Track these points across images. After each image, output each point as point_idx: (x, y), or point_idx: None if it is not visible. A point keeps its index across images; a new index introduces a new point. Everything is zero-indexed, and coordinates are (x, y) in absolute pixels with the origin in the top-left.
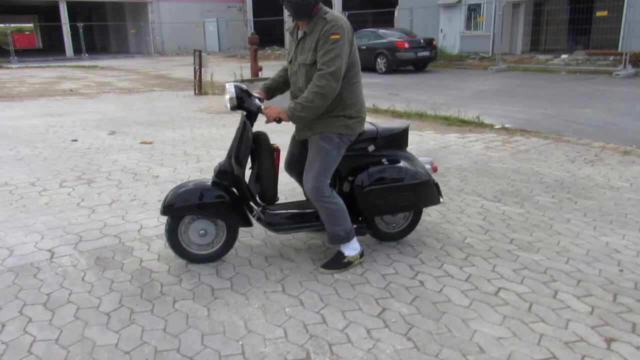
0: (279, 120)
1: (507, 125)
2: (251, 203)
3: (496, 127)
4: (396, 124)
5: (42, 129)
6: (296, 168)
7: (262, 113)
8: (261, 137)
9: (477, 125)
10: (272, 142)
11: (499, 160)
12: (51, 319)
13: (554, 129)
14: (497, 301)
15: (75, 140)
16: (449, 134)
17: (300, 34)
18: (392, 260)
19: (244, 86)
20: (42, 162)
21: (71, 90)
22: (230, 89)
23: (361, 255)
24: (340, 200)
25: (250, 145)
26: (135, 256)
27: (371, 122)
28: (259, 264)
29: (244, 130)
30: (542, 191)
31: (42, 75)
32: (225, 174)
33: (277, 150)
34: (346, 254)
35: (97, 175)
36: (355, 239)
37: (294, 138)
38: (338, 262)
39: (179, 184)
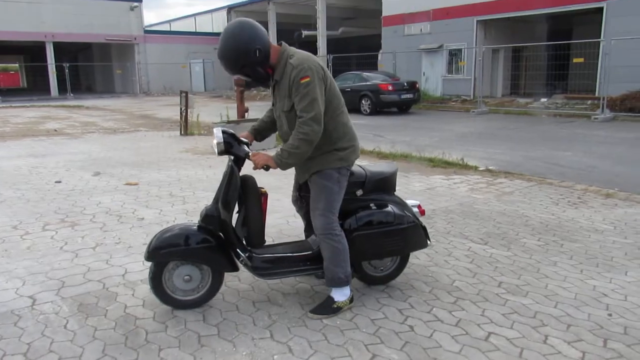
0: (267, 168)
1: (491, 167)
2: (237, 248)
3: (480, 169)
4: (384, 167)
5: (26, 170)
6: (301, 204)
7: (250, 160)
8: (248, 181)
9: (462, 167)
10: (259, 185)
11: (484, 202)
12: None
13: (536, 172)
14: (487, 347)
15: (59, 182)
16: (434, 175)
17: (273, 80)
18: (381, 305)
19: (231, 131)
20: (24, 204)
21: (55, 130)
22: (218, 134)
23: (351, 300)
24: (345, 241)
25: (237, 190)
26: (120, 302)
27: (360, 165)
28: (246, 309)
29: (231, 175)
30: (528, 234)
31: (26, 115)
32: (212, 219)
33: (265, 195)
34: (336, 299)
35: (80, 217)
36: (348, 285)
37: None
38: (327, 308)
39: (164, 228)
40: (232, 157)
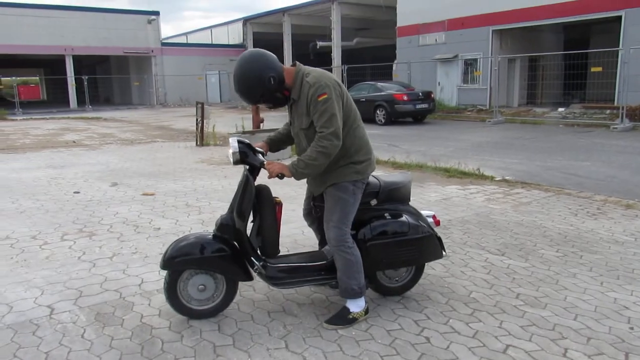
0: (281, 176)
1: (507, 178)
2: (252, 257)
3: (497, 179)
4: (399, 177)
5: (45, 181)
6: (312, 217)
7: (265, 169)
8: (263, 191)
9: (478, 177)
10: (274, 195)
11: (501, 213)
12: None
13: (554, 182)
14: (505, 359)
15: (78, 192)
16: (449, 185)
17: (290, 99)
18: (396, 316)
19: (247, 140)
20: (43, 214)
21: (74, 142)
22: (234, 144)
23: (366, 312)
24: (359, 254)
25: (252, 199)
26: (136, 312)
27: (374, 175)
28: (261, 320)
29: (246, 184)
30: (546, 245)
31: (46, 127)
32: (227, 228)
33: (280, 204)
34: (352, 310)
35: (98, 228)
36: (363, 296)
37: (308, 186)
38: (343, 318)
39: (179, 237)
40: (248, 167)
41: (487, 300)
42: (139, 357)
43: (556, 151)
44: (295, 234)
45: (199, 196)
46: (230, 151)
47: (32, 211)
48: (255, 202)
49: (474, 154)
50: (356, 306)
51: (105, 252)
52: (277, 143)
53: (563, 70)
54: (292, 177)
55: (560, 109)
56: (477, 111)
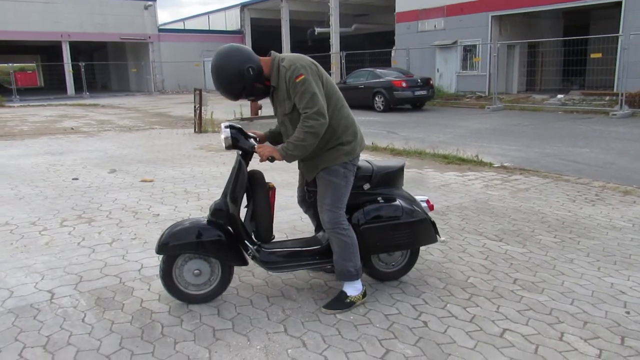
0: (272, 159)
1: (506, 164)
2: (246, 242)
3: (495, 165)
4: (392, 162)
5: (43, 168)
6: (307, 203)
7: (256, 152)
8: (256, 176)
9: (476, 163)
10: (267, 180)
11: (499, 199)
12: None
13: (553, 168)
14: (502, 343)
15: (76, 179)
16: (448, 172)
17: (271, 88)
18: (394, 300)
19: (239, 125)
20: (42, 201)
21: (72, 129)
22: (226, 129)
23: (364, 295)
24: (354, 235)
25: (245, 184)
26: (136, 296)
27: (367, 160)
28: (260, 304)
29: (239, 169)
30: (544, 230)
31: (44, 113)
32: (221, 213)
33: (273, 189)
34: (349, 294)
35: (97, 214)
36: (359, 279)
37: (300, 172)
38: (341, 302)
39: (174, 222)
40: (240, 152)
41: (484, 285)
42: (139, 340)
43: (555, 138)
44: (294, 220)
45: (198, 182)
46: (222, 136)
47: (31, 197)
48: (248, 187)
49: (473, 141)
50: (353, 289)
51: (105, 238)
52: (277, 136)
53: (562, 56)
54: (283, 160)
55: (560, 96)
56: (476, 98)
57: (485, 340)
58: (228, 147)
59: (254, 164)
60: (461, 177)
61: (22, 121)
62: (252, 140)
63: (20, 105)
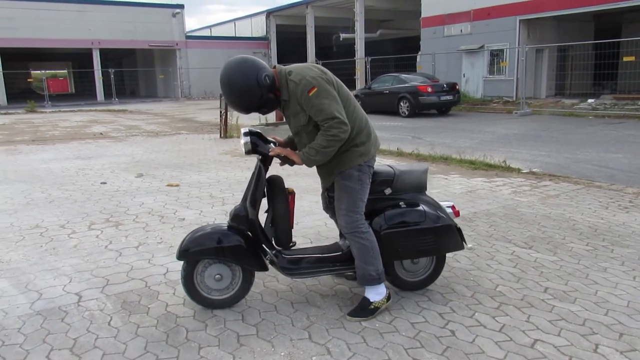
0: (291, 163)
1: (535, 170)
2: (265, 247)
3: (524, 171)
4: (414, 166)
5: (73, 172)
6: (332, 209)
7: (273, 155)
8: (276, 181)
9: (504, 169)
10: (291, 185)
11: (528, 206)
12: None
13: (584, 174)
14: (533, 354)
15: (104, 183)
16: (475, 178)
17: (281, 100)
18: (421, 308)
19: (258, 130)
20: (71, 204)
21: (101, 134)
22: (245, 135)
23: (388, 298)
24: (374, 239)
25: (263, 189)
26: (161, 300)
27: (388, 164)
28: (285, 310)
29: (258, 174)
30: (576, 238)
31: (74, 119)
32: (240, 218)
33: (292, 194)
34: (372, 300)
35: (124, 217)
36: (382, 283)
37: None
38: (364, 310)
39: (194, 228)
40: (260, 157)
41: (514, 294)
42: (164, 345)
43: (586, 143)
44: (319, 226)
45: (223, 187)
46: (242, 142)
47: (61, 201)
48: (268, 192)
49: (500, 146)
50: (376, 294)
51: (131, 242)
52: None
53: (593, 60)
54: (303, 164)
55: (590, 100)
56: (504, 103)
57: (516, 350)
58: (248, 152)
59: (276, 169)
60: (488, 183)
61: (54, 126)
62: (271, 145)
63: (52, 111)
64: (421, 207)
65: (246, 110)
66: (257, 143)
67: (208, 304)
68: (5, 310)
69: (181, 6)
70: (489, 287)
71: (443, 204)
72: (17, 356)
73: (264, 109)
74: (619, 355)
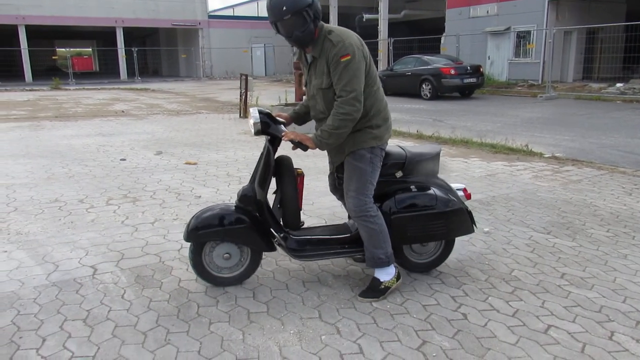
0: (305, 148)
1: (557, 154)
2: (272, 229)
3: (546, 155)
4: (427, 148)
5: (94, 148)
6: (340, 190)
7: (285, 139)
8: (284, 162)
9: (526, 153)
10: (307, 165)
11: (549, 190)
12: (90, 335)
13: (608, 160)
14: (546, 340)
15: (124, 160)
16: (495, 161)
17: (309, 57)
18: (433, 291)
19: (268, 111)
20: (91, 179)
21: (123, 112)
22: (255, 114)
23: (398, 278)
24: (383, 222)
25: (272, 170)
26: (174, 275)
27: (400, 146)
28: (296, 289)
29: (267, 155)
30: (596, 224)
31: (97, 97)
32: (248, 199)
33: (301, 175)
34: (382, 280)
35: (142, 194)
36: (391, 264)
37: (332, 161)
38: (375, 290)
39: (201, 209)
40: (269, 137)
41: (529, 279)
42: (175, 319)
43: (612, 128)
44: (334, 207)
45: (240, 166)
46: (251, 121)
47: (81, 176)
48: (276, 173)
49: (523, 130)
50: (386, 274)
51: (148, 218)
52: (302, 116)
53: (623, 43)
54: (317, 148)
55: (619, 84)
56: (529, 86)
57: (528, 336)
58: (257, 133)
59: (284, 149)
60: (509, 167)
61: (77, 103)
62: (281, 126)
63: (76, 89)
64: (432, 191)
65: (283, 11)
66: (269, 124)
67: (219, 282)
68: (22, 280)
69: None
70: (504, 271)
71: (454, 186)
72: (31, 325)
73: (296, 33)
74: (634, 343)
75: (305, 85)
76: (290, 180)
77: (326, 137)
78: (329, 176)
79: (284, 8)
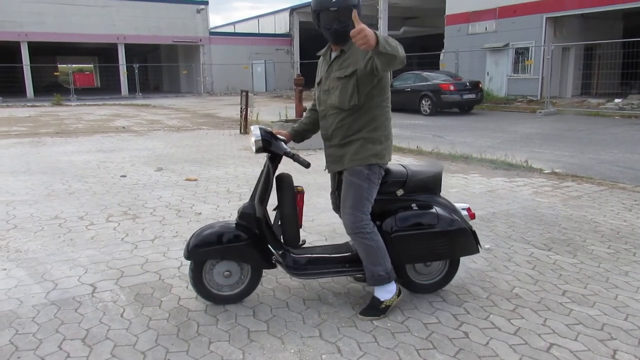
0: (307, 165)
1: (557, 170)
2: (270, 246)
3: (546, 171)
4: (428, 167)
5: (94, 165)
6: (339, 206)
7: (289, 157)
8: (285, 179)
9: (525, 169)
10: (296, 183)
11: (549, 207)
12: (89, 355)
13: (608, 175)
14: (548, 358)
15: (124, 176)
16: (495, 177)
17: (333, 54)
18: (434, 309)
19: (269, 129)
20: (91, 196)
21: (123, 128)
22: (256, 132)
23: (399, 294)
24: (379, 238)
25: (271, 187)
26: (174, 294)
27: (402, 163)
28: (296, 307)
29: (267, 172)
30: (597, 240)
31: (98, 112)
32: (249, 216)
33: (301, 193)
34: (382, 299)
35: (142, 210)
36: (392, 281)
37: (331, 177)
38: (376, 309)
39: (202, 226)
40: (269, 155)
41: (530, 297)
42: (175, 338)
43: (611, 144)
44: (334, 223)
45: (240, 183)
46: (253, 139)
47: (81, 192)
48: (277, 191)
49: (523, 146)
50: (386, 292)
51: (148, 235)
52: (301, 133)
53: (621, 59)
54: (376, 47)
55: (617, 100)
56: (528, 102)
57: (530, 354)
58: (258, 150)
59: (285, 167)
60: (509, 183)
61: (78, 119)
62: (282, 144)
63: (77, 104)
64: (434, 210)
65: (327, 5)
66: (270, 141)
67: (219, 300)
68: (21, 299)
69: (205, 2)
70: (505, 288)
71: (458, 205)
72: (29, 345)
73: (336, 27)
74: None
75: (319, 83)
76: (290, 197)
77: (386, 38)
78: (331, 194)
79: (333, 0)
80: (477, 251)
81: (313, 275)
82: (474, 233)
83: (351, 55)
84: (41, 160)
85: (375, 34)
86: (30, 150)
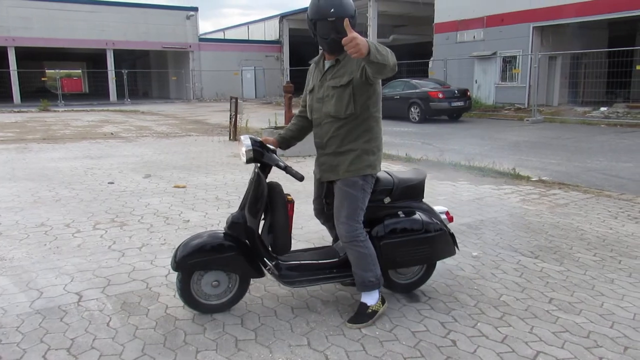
0: (301, 178)
1: (544, 178)
2: (264, 257)
3: (533, 179)
4: (413, 174)
5: (81, 171)
6: (325, 215)
7: (282, 169)
8: (275, 189)
9: (513, 177)
10: (285, 191)
11: (536, 214)
12: None
13: (594, 183)
14: None
15: (112, 183)
16: (483, 185)
17: (327, 63)
18: (422, 317)
19: (260, 139)
20: (78, 203)
21: (112, 134)
22: (247, 142)
23: (383, 301)
24: (371, 245)
25: (264, 197)
26: (161, 302)
27: (388, 171)
28: (284, 315)
29: (258, 182)
30: (583, 248)
31: (86, 118)
32: (238, 226)
33: (291, 202)
34: (369, 304)
35: (129, 218)
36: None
37: (316, 184)
38: (363, 315)
39: (190, 236)
40: (259, 164)
41: (518, 304)
42: (162, 347)
43: (597, 152)
44: (322, 230)
45: (229, 190)
46: (243, 149)
47: (68, 200)
48: (266, 199)
49: (510, 154)
50: (371, 298)
51: (135, 242)
52: (287, 140)
53: (607, 68)
54: (367, 54)
55: (603, 108)
56: (515, 110)
57: None
58: (249, 161)
59: (275, 176)
60: (497, 190)
61: (65, 125)
62: (274, 155)
63: (65, 110)
64: (418, 216)
65: (325, 15)
66: (262, 152)
67: (207, 310)
68: (5, 308)
69: (195, 9)
70: (492, 296)
71: (437, 208)
72: (13, 355)
73: (333, 37)
74: None
75: (311, 91)
76: (281, 207)
77: (377, 46)
78: (314, 200)
79: (332, 10)
80: (455, 253)
81: (305, 284)
82: (452, 235)
83: (346, 64)
84: (27, 167)
85: (367, 42)
86: (16, 157)
